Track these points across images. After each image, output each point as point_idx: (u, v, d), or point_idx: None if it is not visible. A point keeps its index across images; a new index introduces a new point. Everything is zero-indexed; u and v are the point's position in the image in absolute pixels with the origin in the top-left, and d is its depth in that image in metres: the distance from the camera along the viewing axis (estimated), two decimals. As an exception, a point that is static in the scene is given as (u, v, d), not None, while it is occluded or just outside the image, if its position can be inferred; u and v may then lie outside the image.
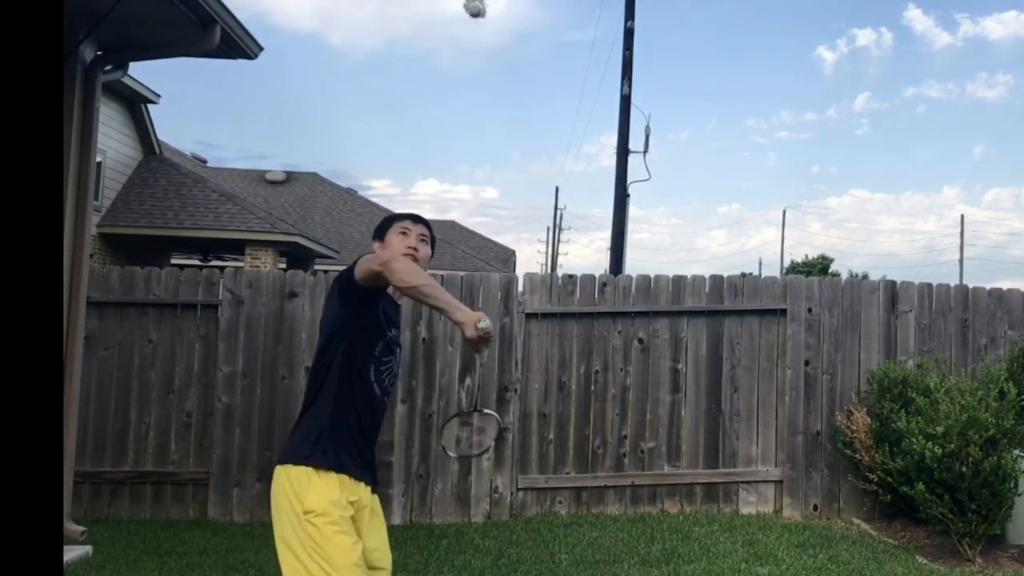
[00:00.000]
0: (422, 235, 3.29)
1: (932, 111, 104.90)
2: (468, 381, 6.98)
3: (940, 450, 5.70)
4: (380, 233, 3.34)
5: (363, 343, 3.12)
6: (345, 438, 3.07)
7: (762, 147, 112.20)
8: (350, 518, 3.00)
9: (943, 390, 6.09)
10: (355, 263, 3.09)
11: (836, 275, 38.74)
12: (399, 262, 2.98)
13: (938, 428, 5.78)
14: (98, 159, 10.56)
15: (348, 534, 2.96)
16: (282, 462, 3.08)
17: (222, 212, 17.55)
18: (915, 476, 5.96)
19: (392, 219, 3.38)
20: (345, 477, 3.03)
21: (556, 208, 69.73)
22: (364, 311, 3.11)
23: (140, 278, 6.94)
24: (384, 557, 3.15)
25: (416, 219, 3.35)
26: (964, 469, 5.66)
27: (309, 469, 3.00)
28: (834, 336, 7.28)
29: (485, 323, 2.79)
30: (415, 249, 3.22)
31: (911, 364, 7.05)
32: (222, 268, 7.41)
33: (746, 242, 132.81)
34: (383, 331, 3.17)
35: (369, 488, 3.13)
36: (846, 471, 7.07)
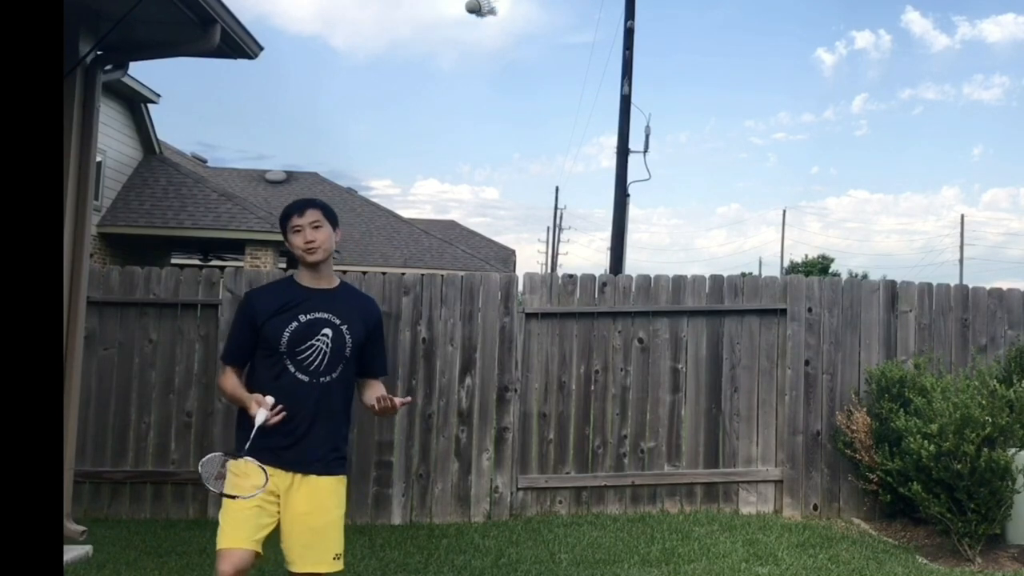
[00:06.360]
0: (314, 222, 3.41)
1: (930, 112, 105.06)
2: (468, 381, 6.98)
3: (935, 447, 5.71)
4: (283, 233, 3.52)
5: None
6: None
7: (761, 148, 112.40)
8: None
9: (939, 389, 6.09)
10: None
11: (836, 275, 38.71)
12: (219, 387, 3.65)
13: (932, 426, 5.79)
14: (98, 159, 10.56)
15: None
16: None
17: (222, 212, 17.55)
18: (914, 476, 5.96)
19: (283, 219, 3.51)
20: None
21: (556, 208, 69.56)
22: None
23: (140, 278, 6.94)
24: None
25: (301, 209, 3.45)
26: (960, 467, 5.65)
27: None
28: (834, 336, 7.28)
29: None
30: (311, 242, 3.40)
31: (910, 364, 7.04)
32: (222, 268, 7.41)
33: (745, 242, 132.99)
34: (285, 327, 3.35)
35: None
36: (846, 471, 7.07)
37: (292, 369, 3.33)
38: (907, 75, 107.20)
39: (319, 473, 3.33)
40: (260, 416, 3.21)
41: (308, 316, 3.35)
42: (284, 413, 3.25)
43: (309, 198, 3.61)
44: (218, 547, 3.26)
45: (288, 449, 3.30)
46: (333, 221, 3.48)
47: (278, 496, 3.31)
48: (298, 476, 3.33)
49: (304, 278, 3.46)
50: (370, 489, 6.83)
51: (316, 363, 3.33)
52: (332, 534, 3.33)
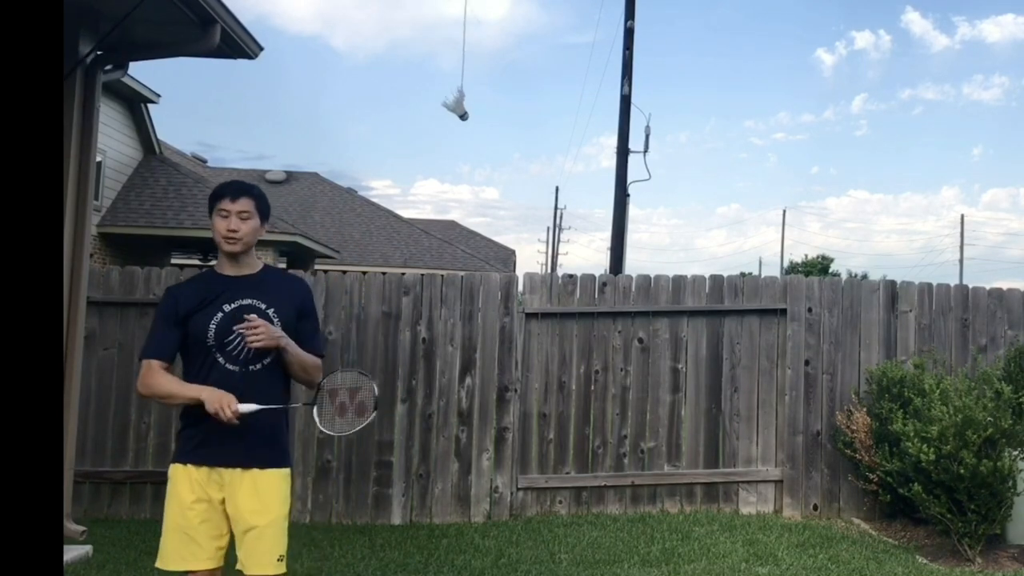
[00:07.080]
0: (242, 212, 3.24)
1: (930, 112, 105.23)
2: (468, 381, 6.98)
3: (935, 453, 5.70)
4: (208, 209, 3.33)
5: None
6: None
7: (760, 148, 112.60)
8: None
9: (938, 391, 6.08)
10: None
11: (836, 275, 38.73)
12: (140, 386, 3.23)
13: (932, 429, 5.78)
14: (98, 159, 10.56)
15: None
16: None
17: (222, 212, 17.52)
18: (912, 477, 5.96)
19: (212, 198, 3.32)
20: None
21: (556, 208, 69.74)
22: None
23: (140, 278, 6.94)
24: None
25: (235, 194, 3.27)
26: (961, 470, 5.65)
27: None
28: (834, 336, 7.28)
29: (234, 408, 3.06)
30: (234, 231, 3.22)
31: (910, 364, 7.04)
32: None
33: (745, 242, 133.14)
34: (206, 324, 3.19)
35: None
36: (846, 471, 7.07)
37: (222, 361, 3.17)
38: (907, 75, 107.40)
39: (261, 466, 3.17)
40: (246, 407, 3.08)
41: (232, 304, 3.20)
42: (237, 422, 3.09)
43: (248, 184, 3.39)
44: (182, 569, 3.15)
45: (224, 444, 3.14)
46: (264, 214, 3.32)
47: (223, 501, 3.18)
48: (238, 471, 3.17)
49: (224, 267, 3.30)
50: (370, 489, 6.84)
51: (245, 351, 3.17)
52: (275, 534, 3.17)
